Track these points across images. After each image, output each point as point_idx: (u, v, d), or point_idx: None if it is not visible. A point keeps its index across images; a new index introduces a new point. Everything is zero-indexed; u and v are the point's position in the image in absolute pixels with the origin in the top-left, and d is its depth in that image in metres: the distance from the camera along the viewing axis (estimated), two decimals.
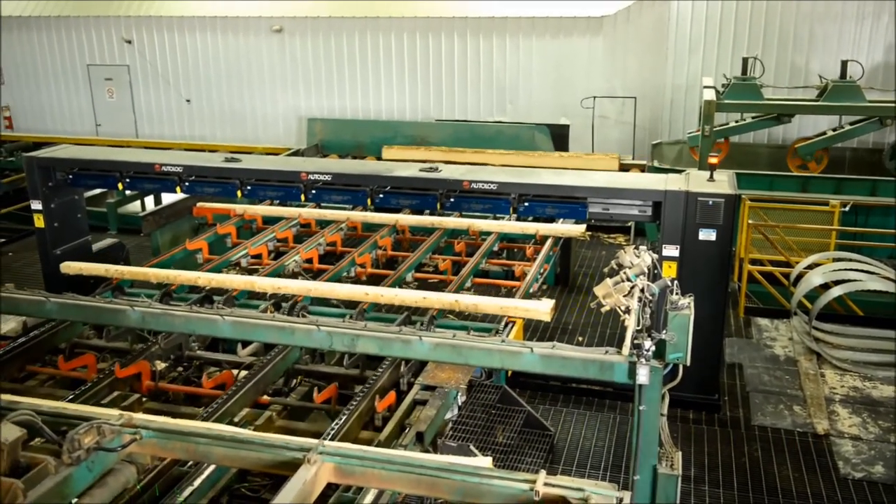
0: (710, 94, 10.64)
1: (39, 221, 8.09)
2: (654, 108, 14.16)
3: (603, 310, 3.95)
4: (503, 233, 9.65)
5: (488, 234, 9.63)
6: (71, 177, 8.09)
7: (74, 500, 3.36)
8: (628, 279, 3.92)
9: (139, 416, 3.76)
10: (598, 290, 3.95)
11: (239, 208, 9.95)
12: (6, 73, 18.08)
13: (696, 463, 6.31)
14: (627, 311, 3.80)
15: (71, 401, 5.39)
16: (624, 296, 3.85)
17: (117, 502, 4.15)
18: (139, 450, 3.63)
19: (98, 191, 12.44)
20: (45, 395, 5.79)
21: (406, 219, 9.47)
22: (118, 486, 3.59)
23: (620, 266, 4.04)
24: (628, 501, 3.22)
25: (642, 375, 4.14)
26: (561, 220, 9.56)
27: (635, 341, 4.03)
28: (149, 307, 5.28)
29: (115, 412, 3.76)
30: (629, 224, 11.85)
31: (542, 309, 6.38)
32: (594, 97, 14.03)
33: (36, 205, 8.08)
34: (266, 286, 7.24)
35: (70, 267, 7.72)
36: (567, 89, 14.40)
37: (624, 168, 11.27)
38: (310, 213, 9.72)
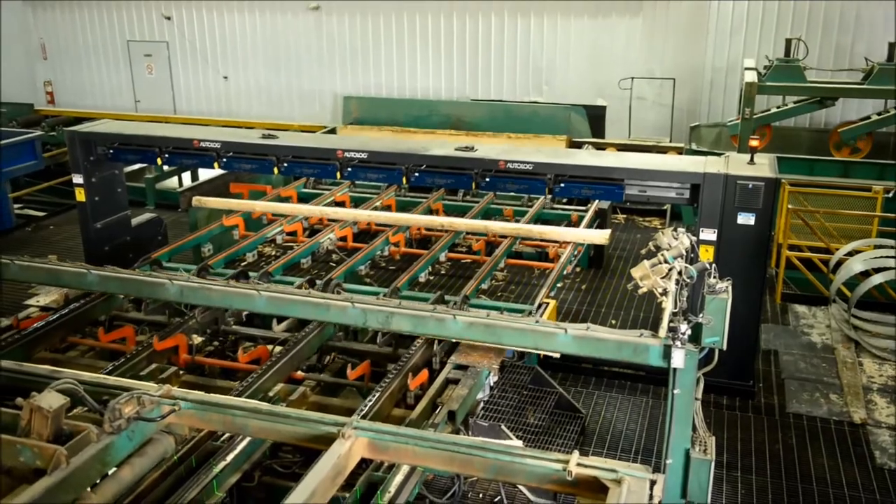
0: (751, 76, 10.44)
1: (81, 195, 8.22)
2: (693, 90, 13.94)
3: (640, 291, 3.92)
4: (538, 213, 9.62)
5: (523, 213, 9.61)
6: (111, 151, 8.20)
7: (114, 469, 3.44)
8: (666, 261, 3.88)
9: (177, 389, 3.82)
10: (635, 272, 3.92)
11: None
12: (48, 49, 18.34)
13: (728, 449, 6.26)
14: (665, 293, 3.77)
15: (110, 372, 5.50)
16: (661, 278, 3.81)
17: (155, 472, 4.25)
18: (177, 421, 3.69)
19: (136, 167, 12.59)
20: (86, 365, 5.91)
21: (417, 219, 9.23)
22: (157, 456, 3.66)
23: (658, 248, 4.00)
24: (662, 484, 3.21)
25: (677, 359, 4.12)
26: (596, 201, 9.50)
27: (671, 324, 4.00)
28: (187, 281, 5.35)
29: (154, 384, 3.84)
30: (665, 207, 11.72)
31: (601, 235, 6.67)
32: (632, 78, 13.85)
33: (77, 179, 8.21)
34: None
35: (200, 201, 8.28)
36: (604, 70, 14.23)
37: (660, 151, 11.14)
38: (320, 211, 9.44)
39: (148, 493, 4.25)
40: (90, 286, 5.72)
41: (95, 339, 6.39)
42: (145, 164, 12.45)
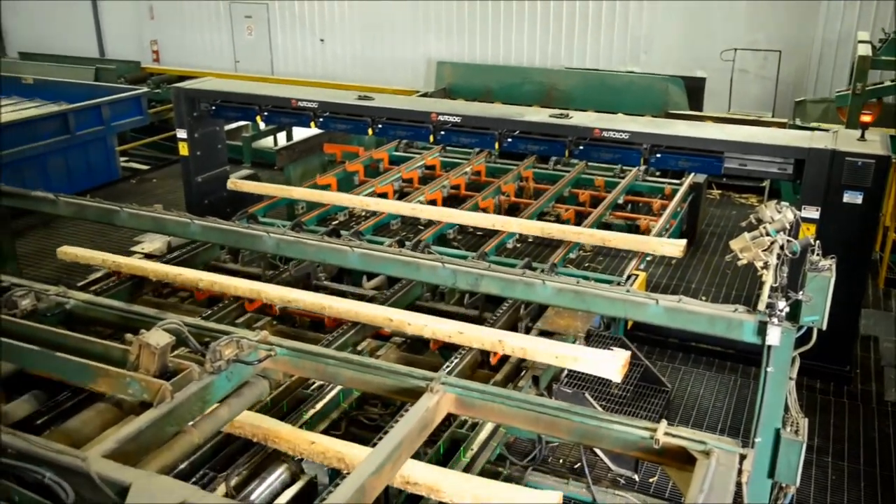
0: (864, 50, 9.90)
1: (184, 149, 8.53)
2: (800, 63, 13.32)
3: (739, 264, 3.82)
4: (630, 185, 9.46)
5: (614, 185, 9.45)
6: (214, 108, 8.47)
7: (213, 406, 3.60)
8: (768, 234, 3.76)
9: (273, 336, 3.96)
10: (735, 244, 3.81)
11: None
12: (156, 10, 18.97)
13: (820, 433, 6.07)
14: (766, 266, 3.66)
15: (207, 318, 5.73)
16: (763, 251, 3.70)
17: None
18: (273, 366, 3.83)
19: (233, 126, 12.96)
20: (185, 311, 6.17)
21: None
22: (252, 398, 3.82)
23: (760, 221, 3.88)
24: (752, 459, 3.15)
25: (773, 336, 3.99)
26: (692, 174, 9.26)
27: (769, 300, 3.88)
28: (283, 235, 5.51)
29: (250, 331, 3.99)
30: (763, 184, 11.31)
31: (675, 246, 6.50)
32: (735, 49, 13.32)
33: (181, 133, 8.53)
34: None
35: (236, 183, 8.52)
36: (706, 40, 13.73)
37: (762, 126, 10.73)
38: (360, 201, 8.53)
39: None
40: (192, 235, 5.96)
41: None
42: (243, 124, 12.82)
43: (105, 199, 6.27)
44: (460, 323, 4.95)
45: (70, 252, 6.28)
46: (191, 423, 3.43)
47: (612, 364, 4.36)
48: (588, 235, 7.20)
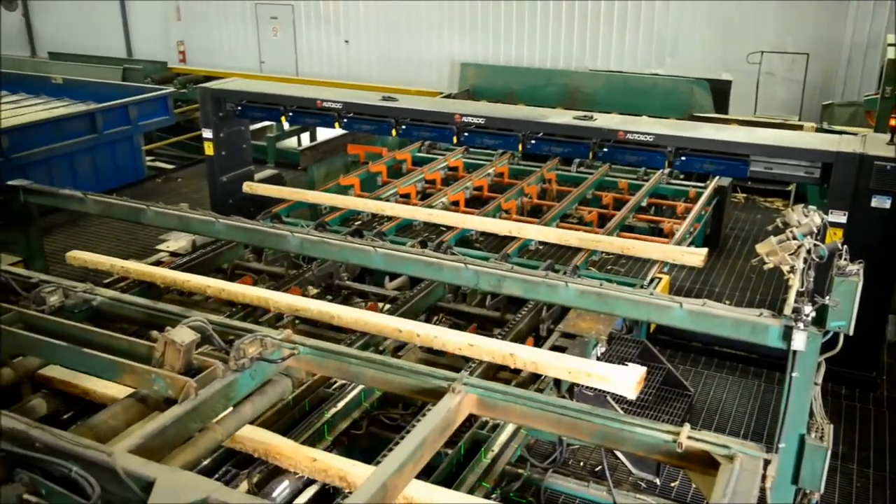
0: (894, 53, 9.77)
1: (209, 149, 8.61)
2: (828, 66, 13.17)
3: (765, 268, 3.78)
4: (654, 187, 9.40)
5: (638, 187, 9.41)
6: (239, 108, 8.54)
7: (235, 405, 3.62)
8: (794, 238, 3.72)
9: (296, 335, 3.98)
10: (761, 248, 3.78)
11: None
12: (183, 11, 19.15)
13: (845, 440, 6.00)
14: (792, 270, 3.62)
15: (230, 316, 5.79)
16: (789, 255, 3.66)
17: (271, 411, 4.45)
18: (296, 364, 3.86)
19: (257, 126, 13.05)
20: (209, 309, 6.23)
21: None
22: (275, 396, 3.85)
23: (786, 224, 3.84)
24: (776, 464, 3.12)
25: (798, 341, 3.95)
26: (717, 177, 9.19)
27: (795, 305, 3.84)
28: (307, 234, 5.54)
29: (273, 330, 4.01)
30: (789, 188, 11.20)
31: (696, 256, 6.26)
32: (761, 52, 13.20)
33: (207, 133, 8.60)
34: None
35: (251, 186, 8.44)
36: (732, 43, 13.62)
37: (788, 129, 10.62)
38: (374, 205, 8.56)
39: None
40: (217, 234, 6.01)
41: None
42: (267, 124, 12.91)
43: (131, 197, 6.34)
44: (471, 335, 4.78)
45: (79, 257, 6.28)
46: (214, 420, 3.46)
47: (626, 380, 4.03)
48: (607, 243, 6.96)
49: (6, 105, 12.50)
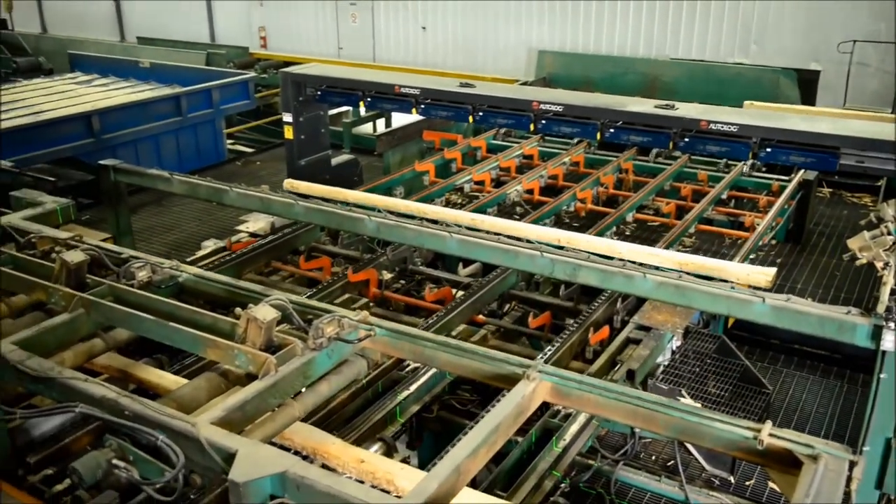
0: None
1: (289, 133, 8.77)
2: None
3: (857, 263, 3.65)
4: (735, 180, 9.16)
5: (718, 179, 9.18)
6: (319, 93, 8.66)
7: (311, 383, 3.69)
8: (889, 233, 3.58)
9: (373, 317, 4.03)
10: (853, 243, 3.64)
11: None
12: None
13: None
14: (886, 266, 3.49)
15: (308, 297, 5.89)
16: (884, 250, 3.52)
17: (345, 392, 4.53)
18: (372, 346, 3.91)
19: (334, 112, 13.24)
20: (286, 290, 6.36)
21: None
22: (351, 376, 3.90)
23: (880, 220, 3.70)
24: (862, 466, 3.02)
25: (888, 341, 3.81)
26: (802, 170, 8.89)
27: (888, 303, 3.70)
28: (384, 218, 5.60)
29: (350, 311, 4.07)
30: (879, 183, 10.74)
31: (763, 276, 5.30)
32: (853, 41, 12.66)
33: (287, 117, 8.76)
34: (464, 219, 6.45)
35: (292, 184, 8.28)
36: (822, 31, 13.09)
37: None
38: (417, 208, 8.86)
39: (338, 411, 4.56)
40: (296, 216, 6.13)
41: (296, 267, 6.87)
42: (343, 109, 13.07)
43: (213, 179, 6.52)
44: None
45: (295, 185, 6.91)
46: (292, 396, 3.54)
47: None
48: (664, 258, 5.62)
49: (97, 88, 12.99)
